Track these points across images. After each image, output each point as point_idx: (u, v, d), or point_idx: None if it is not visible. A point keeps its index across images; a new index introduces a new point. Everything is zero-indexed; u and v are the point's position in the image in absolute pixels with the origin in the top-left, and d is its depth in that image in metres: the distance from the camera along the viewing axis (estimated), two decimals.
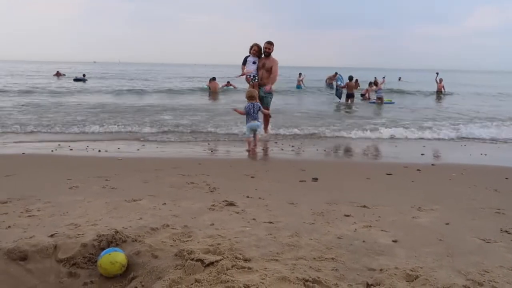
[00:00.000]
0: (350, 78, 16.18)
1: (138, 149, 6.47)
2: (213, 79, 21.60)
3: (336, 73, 22.28)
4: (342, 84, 16.54)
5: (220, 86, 22.73)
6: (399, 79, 41.31)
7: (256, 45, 7.81)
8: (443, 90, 21.99)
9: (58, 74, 30.68)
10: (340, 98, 16.32)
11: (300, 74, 26.45)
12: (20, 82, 24.42)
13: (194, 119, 10.27)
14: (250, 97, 6.92)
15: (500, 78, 66.32)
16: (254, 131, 6.83)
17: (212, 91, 20.73)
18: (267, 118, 7.97)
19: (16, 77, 30.33)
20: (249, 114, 6.80)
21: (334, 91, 18.07)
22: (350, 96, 15.84)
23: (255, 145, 6.70)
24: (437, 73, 22.60)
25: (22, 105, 12.53)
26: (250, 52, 7.85)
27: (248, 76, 7.83)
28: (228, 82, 23.75)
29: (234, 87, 23.08)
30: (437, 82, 22.01)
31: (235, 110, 7.38)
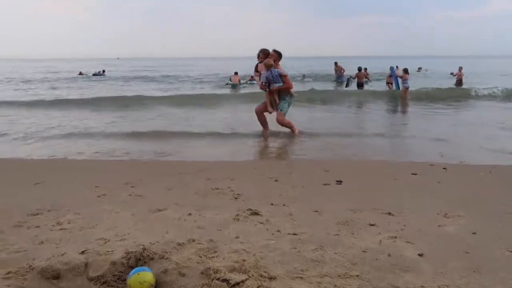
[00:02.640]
0: (359, 68, 17.89)
1: (162, 152, 6.56)
2: (236, 73, 21.96)
3: (336, 63, 24.63)
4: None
5: (244, 81, 22.87)
6: (419, 69, 38.64)
7: (262, 51, 7.77)
8: (462, 78, 21.35)
9: (81, 74, 31.53)
10: (347, 86, 17.83)
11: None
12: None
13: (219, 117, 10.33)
14: (268, 66, 7.40)
15: None
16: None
17: (233, 83, 21.47)
18: (287, 125, 7.78)
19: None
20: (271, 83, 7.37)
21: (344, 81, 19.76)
22: (360, 85, 17.41)
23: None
24: (419, 68, 23.49)
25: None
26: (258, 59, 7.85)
27: (262, 83, 7.71)
28: (252, 77, 23.89)
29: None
30: (454, 75, 21.79)
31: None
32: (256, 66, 8.03)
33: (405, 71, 16.04)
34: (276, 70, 7.50)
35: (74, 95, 17.40)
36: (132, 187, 4.23)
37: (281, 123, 7.73)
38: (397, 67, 19.17)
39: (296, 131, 7.76)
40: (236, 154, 6.38)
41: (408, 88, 15.75)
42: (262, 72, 7.72)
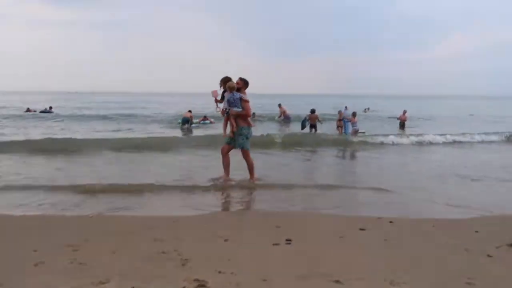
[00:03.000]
0: (313, 111, 18.08)
1: (110, 206, 6.31)
2: (189, 111, 22.18)
3: (279, 104, 26.01)
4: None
5: (197, 121, 22.84)
6: (365, 110, 40.11)
7: (222, 80, 7.55)
8: (405, 121, 22.49)
9: (28, 111, 30.20)
10: (303, 128, 18.05)
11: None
12: None
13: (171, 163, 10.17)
14: (231, 88, 7.31)
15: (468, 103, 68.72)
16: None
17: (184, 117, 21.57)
18: (249, 165, 7.70)
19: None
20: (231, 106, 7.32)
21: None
22: (313, 126, 17.81)
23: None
24: (367, 109, 25.02)
25: None
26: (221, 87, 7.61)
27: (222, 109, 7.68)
28: (205, 116, 23.80)
29: (211, 122, 23.13)
30: (398, 118, 22.99)
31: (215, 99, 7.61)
32: (222, 94, 7.72)
33: (354, 114, 16.78)
34: (238, 93, 7.37)
35: (17, 135, 16.58)
36: (74, 250, 4.01)
37: (247, 160, 7.63)
38: (346, 107, 20.40)
39: (254, 178, 7.70)
40: (188, 207, 6.25)
41: (357, 130, 16.45)
42: (225, 95, 7.57)
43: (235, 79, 7.53)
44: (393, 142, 14.52)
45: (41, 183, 7.53)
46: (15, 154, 11.09)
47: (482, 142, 15.46)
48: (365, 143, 14.45)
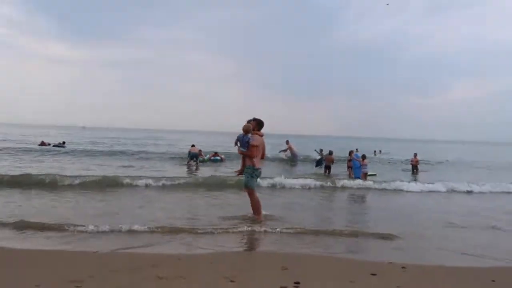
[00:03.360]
0: (330, 152, 18.55)
1: (115, 249, 6.23)
2: (193, 146, 22.04)
3: (287, 141, 25.81)
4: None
5: (208, 156, 22.80)
6: (376, 152, 39.57)
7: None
8: (418, 165, 22.23)
9: (42, 143, 30.51)
10: (317, 166, 18.74)
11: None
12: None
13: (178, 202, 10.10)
14: (244, 131, 7.67)
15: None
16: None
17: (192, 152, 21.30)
18: (253, 204, 7.81)
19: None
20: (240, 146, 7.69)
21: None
22: (327, 167, 18.17)
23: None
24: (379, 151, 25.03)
25: None
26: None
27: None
28: (216, 153, 23.83)
29: (222, 159, 23.10)
30: (410, 162, 22.75)
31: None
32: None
33: (363, 157, 16.69)
34: (248, 136, 7.66)
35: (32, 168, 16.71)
36: (77, 286, 3.93)
37: (250, 198, 7.79)
38: (356, 149, 20.56)
39: (260, 218, 7.71)
40: (191, 245, 6.12)
41: (367, 173, 16.31)
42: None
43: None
44: (401, 188, 14.07)
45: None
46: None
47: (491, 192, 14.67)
48: (374, 188, 14.10)
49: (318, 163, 18.83)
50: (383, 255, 5.79)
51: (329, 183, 14.30)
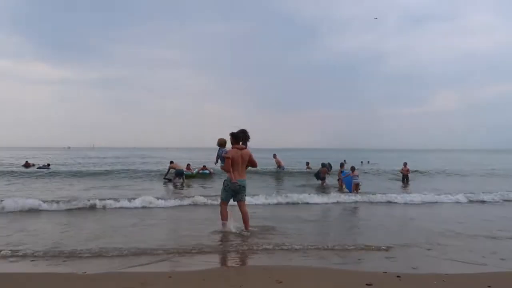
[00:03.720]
0: (323, 165, 19.22)
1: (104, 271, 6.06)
2: (172, 162, 21.10)
3: (274, 155, 26.33)
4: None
5: (196, 170, 22.49)
6: (363, 162, 42.57)
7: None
8: (408, 174, 22.16)
9: (27, 164, 30.15)
10: (318, 179, 19.12)
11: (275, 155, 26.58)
12: None
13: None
14: (218, 144, 8.44)
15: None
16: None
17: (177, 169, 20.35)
18: (221, 213, 8.06)
19: None
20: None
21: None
22: (323, 178, 18.90)
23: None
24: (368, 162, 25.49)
25: None
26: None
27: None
28: (204, 166, 23.61)
29: (211, 172, 22.88)
30: (400, 171, 22.70)
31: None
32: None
33: (352, 169, 16.72)
34: (223, 149, 8.32)
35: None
36: None
37: (220, 209, 8.10)
38: (344, 161, 20.85)
39: (223, 226, 7.96)
40: (183, 263, 5.99)
41: (358, 183, 16.23)
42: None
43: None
44: (395, 201, 13.80)
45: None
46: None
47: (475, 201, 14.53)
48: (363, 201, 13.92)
49: (317, 176, 19.10)
50: (377, 266, 5.73)
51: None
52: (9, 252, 6.35)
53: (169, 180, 20.27)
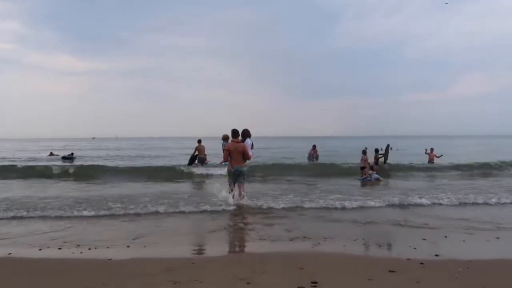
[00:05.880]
0: (364, 151, 16.75)
1: (128, 246, 6.18)
2: (199, 141, 19.84)
3: (314, 145, 23.49)
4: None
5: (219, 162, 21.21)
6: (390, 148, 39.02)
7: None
8: (435, 159, 21.86)
9: (51, 154, 30.96)
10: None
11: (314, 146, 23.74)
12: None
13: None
14: (222, 139, 11.84)
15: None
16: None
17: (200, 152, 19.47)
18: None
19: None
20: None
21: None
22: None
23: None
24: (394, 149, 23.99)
25: None
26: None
27: None
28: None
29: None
30: (428, 154, 22.21)
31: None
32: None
33: (371, 168, 16.18)
34: (225, 143, 11.46)
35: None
36: None
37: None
38: (366, 148, 18.98)
39: (228, 195, 9.82)
40: (205, 246, 6.08)
41: (378, 178, 15.58)
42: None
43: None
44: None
45: None
46: None
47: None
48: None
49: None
50: (402, 252, 5.68)
51: None
52: None
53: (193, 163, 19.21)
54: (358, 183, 15.15)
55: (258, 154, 25.98)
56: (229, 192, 9.83)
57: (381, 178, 15.62)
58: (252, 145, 10.53)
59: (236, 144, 9.79)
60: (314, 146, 23.34)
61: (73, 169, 18.87)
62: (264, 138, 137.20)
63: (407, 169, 19.61)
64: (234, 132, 9.97)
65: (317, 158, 22.88)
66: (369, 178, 15.54)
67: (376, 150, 18.26)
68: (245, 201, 9.59)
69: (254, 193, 10.88)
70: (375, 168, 16.71)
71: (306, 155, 23.52)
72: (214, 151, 23.23)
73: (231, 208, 9.14)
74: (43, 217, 8.43)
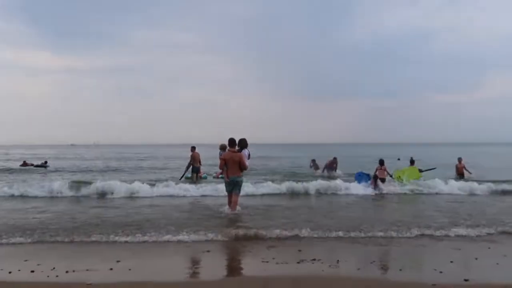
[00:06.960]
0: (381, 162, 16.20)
1: (111, 268, 5.38)
2: (193, 148, 17.45)
3: (335, 158, 20.71)
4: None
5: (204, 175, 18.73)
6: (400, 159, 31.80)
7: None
8: (464, 172, 18.37)
9: (25, 164, 28.79)
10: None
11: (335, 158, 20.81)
12: None
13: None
14: (220, 148, 12.06)
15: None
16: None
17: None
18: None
19: None
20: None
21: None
22: (382, 180, 15.51)
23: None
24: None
25: None
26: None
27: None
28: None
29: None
30: (456, 167, 18.81)
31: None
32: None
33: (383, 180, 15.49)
34: (221, 152, 11.51)
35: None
36: None
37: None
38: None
39: (228, 209, 9.67)
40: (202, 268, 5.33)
41: (382, 191, 14.79)
42: None
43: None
44: None
45: None
46: None
47: None
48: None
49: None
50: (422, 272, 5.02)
51: None
52: None
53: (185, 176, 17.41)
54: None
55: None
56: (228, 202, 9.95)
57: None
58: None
59: (233, 154, 9.74)
60: (335, 158, 20.68)
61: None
62: (266, 145, 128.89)
63: None
64: (231, 141, 9.91)
65: (335, 169, 20.18)
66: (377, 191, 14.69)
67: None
68: (239, 211, 9.68)
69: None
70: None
71: (322, 165, 20.90)
72: (206, 161, 21.99)
73: (228, 216, 9.14)
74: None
